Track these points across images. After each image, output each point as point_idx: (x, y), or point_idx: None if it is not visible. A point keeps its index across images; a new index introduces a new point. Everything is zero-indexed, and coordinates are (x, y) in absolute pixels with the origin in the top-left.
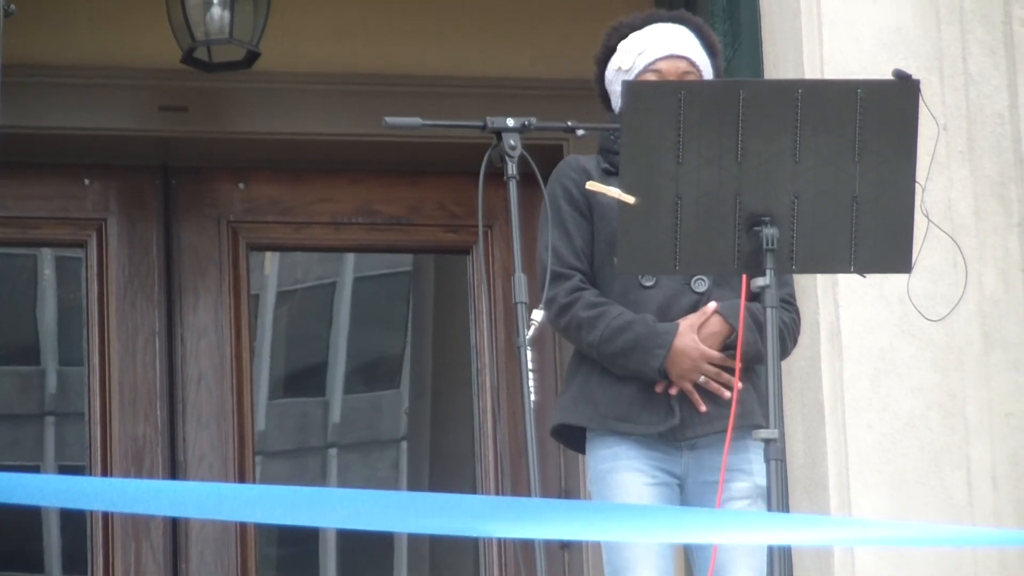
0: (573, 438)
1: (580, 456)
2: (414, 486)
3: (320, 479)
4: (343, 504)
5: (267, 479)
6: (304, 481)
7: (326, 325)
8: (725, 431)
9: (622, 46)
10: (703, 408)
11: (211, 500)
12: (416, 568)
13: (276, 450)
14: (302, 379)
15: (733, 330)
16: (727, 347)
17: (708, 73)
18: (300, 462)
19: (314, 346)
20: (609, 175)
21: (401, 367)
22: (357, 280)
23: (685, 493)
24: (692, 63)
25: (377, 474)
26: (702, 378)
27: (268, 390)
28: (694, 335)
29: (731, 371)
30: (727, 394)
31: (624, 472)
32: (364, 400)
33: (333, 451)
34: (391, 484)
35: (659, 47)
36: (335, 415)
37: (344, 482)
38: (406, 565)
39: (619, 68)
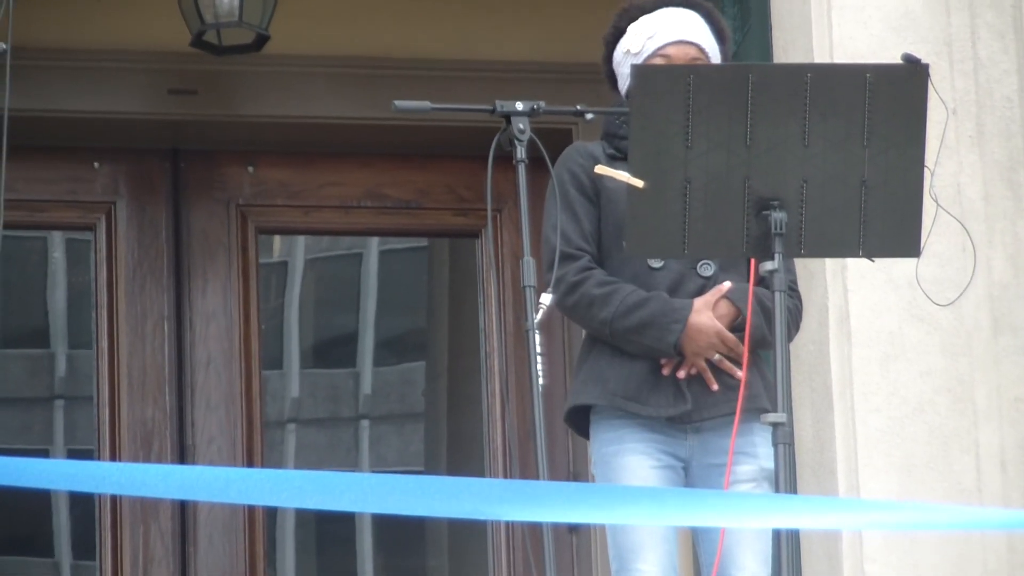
0: (584, 424)
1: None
2: (432, 469)
3: (353, 450)
4: (351, 488)
5: (302, 448)
6: (338, 452)
7: (354, 296)
8: (731, 414)
9: (632, 28)
10: (715, 387)
11: (218, 484)
12: (436, 551)
13: (309, 418)
14: (332, 350)
15: (740, 313)
16: (734, 330)
17: (716, 59)
18: (333, 433)
19: (343, 317)
20: (615, 160)
21: (427, 340)
22: (383, 253)
23: (690, 476)
24: (701, 49)
25: (410, 447)
26: (716, 356)
27: (299, 359)
28: (710, 312)
29: (741, 354)
30: (739, 373)
31: (629, 455)
32: (394, 373)
33: (365, 422)
34: (422, 458)
35: (669, 32)
36: (366, 387)
37: (376, 454)
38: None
39: (628, 51)
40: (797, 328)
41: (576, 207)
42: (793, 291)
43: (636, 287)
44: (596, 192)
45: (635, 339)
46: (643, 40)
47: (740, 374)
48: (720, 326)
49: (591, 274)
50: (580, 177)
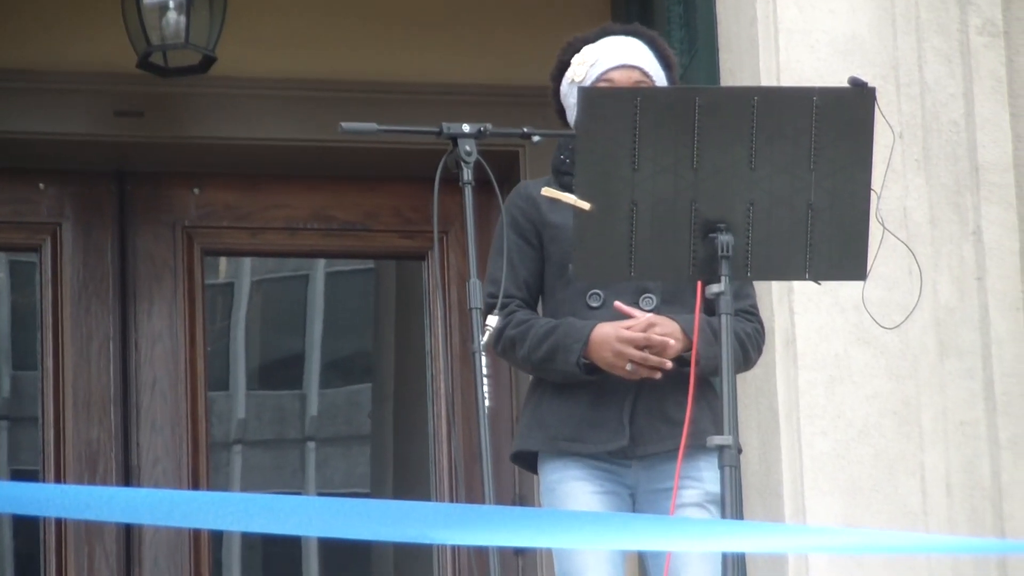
0: (532, 462)
1: None
2: (378, 491)
3: (299, 472)
4: (296, 511)
5: (248, 470)
6: (284, 473)
7: (300, 318)
8: (675, 450)
9: (576, 59)
10: (669, 365)
11: (163, 507)
12: (381, 572)
13: (255, 440)
14: (279, 371)
15: (690, 342)
16: (683, 361)
17: (662, 84)
18: (279, 454)
19: (289, 339)
20: None
21: (374, 362)
22: (329, 275)
23: (637, 503)
24: (645, 73)
25: (356, 469)
26: (629, 366)
27: (245, 381)
28: (615, 324)
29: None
30: (668, 364)
31: (572, 482)
32: (341, 395)
33: (311, 444)
34: (368, 480)
35: (612, 57)
36: (312, 408)
37: (322, 476)
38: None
39: (572, 80)
40: (759, 352)
41: (512, 253)
42: (753, 316)
43: (549, 319)
44: (537, 234)
45: (550, 367)
46: (586, 68)
47: (668, 365)
48: (622, 331)
49: (512, 317)
50: (519, 220)
